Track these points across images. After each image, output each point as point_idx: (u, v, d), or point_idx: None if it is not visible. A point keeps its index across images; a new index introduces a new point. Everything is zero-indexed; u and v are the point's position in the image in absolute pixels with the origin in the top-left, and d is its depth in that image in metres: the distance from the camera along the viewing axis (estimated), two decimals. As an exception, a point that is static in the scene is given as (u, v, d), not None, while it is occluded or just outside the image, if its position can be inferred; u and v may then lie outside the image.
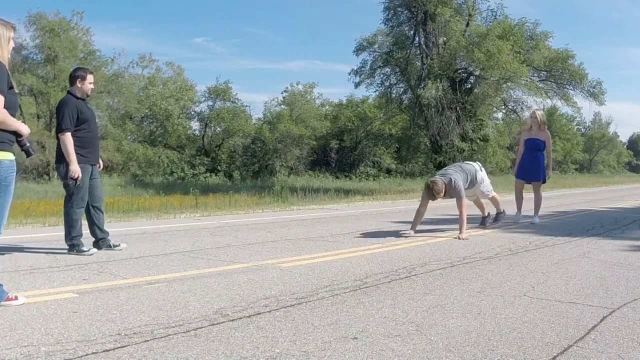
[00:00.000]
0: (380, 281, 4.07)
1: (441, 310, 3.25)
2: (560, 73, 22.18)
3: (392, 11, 22.06)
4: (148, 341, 2.63)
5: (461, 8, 22.53)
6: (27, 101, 26.38)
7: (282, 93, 38.73)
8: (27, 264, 4.61)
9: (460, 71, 22.59)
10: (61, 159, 5.15)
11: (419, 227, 6.76)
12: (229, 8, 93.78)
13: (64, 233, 5.27)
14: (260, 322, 2.97)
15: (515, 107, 23.81)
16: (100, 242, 5.42)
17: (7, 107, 3.19)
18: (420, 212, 6.71)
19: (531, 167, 8.45)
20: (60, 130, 5.12)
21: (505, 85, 21.91)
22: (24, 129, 3.35)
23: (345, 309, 3.26)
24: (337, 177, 31.87)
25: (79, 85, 5.29)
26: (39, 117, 27.48)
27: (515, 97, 23.34)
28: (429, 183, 6.60)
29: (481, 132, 24.05)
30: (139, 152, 30.84)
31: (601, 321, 3.04)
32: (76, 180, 5.07)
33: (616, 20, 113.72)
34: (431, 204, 6.85)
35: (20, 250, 5.37)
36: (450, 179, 6.53)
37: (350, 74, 23.61)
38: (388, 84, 23.57)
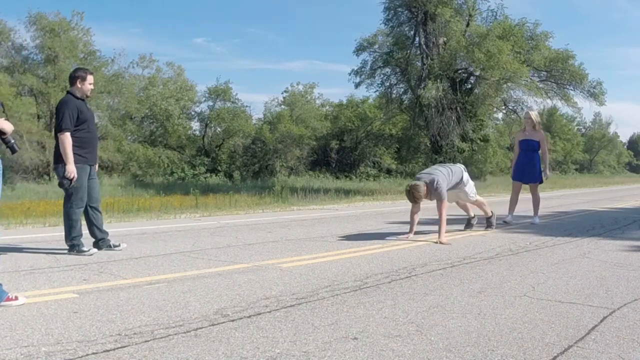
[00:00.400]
0: (380, 281, 4.07)
1: (441, 310, 3.25)
2: (560, 73, 22.17)
3: (392, 11, 22.07)
4: (148, 341, 2.63)
5: (461, 8, 22.52)
6: (27, 101, 26.37)
7: (282, 93, 38.77)
8: (27, 264, 4.61)
9: (460, 71, 22.59)
10: (59, 159, 5.14)
11: (419, 228, 6.75)
12: (229, 8, 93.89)
13: (63, 233, 5.28)
14: (260, 322, 2.97)
15: (515, 107, 23.81)
16: (100, 242, 5.42)
17: None
18: (414, 213, 6.48)
19: (527, 168, 8.43)
20: (59, 129, 5.12)
21: (505, 85, 21.91)
22: (7, 126, 3.36)
23: (345, 309, 3.26)
24: (337, 177, 31.88)
25: (79, 86, 5.29)
26: (39, 117, 27.45)
27: (515, 97, 23.39)
28: (408, 188, 6.23)
29: (481, 132, 24.05)
30: (139, 152, 30.82)
31: (601, 321, 3.05)
32: (71, 180, 5.06)
33: (616, 20, 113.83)
34: (430, 204, 6.78)
35: (20, 250, 5.38)
36: (433, 179, 6.18)
37: (350, 74, 23.65)
38: (388, 84, 23.58)
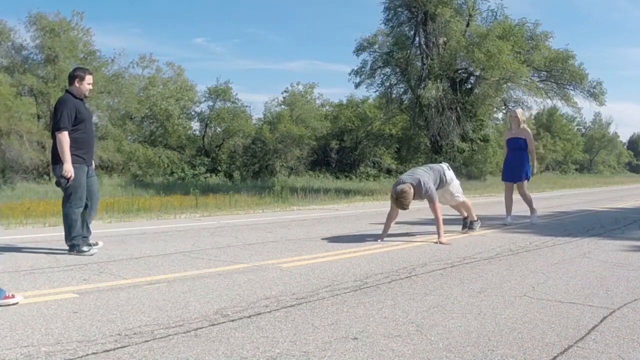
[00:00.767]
0: (380, 281, 4.07)
1: (441, 310, 3.25)
2: (560, 73, 22.16)
3: (392, 11, 22.07)
4: (148, 341, 2.63)
5: (461, 8, 22.52)
6: (27, 101, 26.34)
7: (282, 93, 38.75)
8: (27, 264, 4.60)
9: (460, 71, 22.59)
10: (57, 159, 5.13)
11: (419, 228, 6.75)
12: (229, 8, 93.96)
13: (63, 233, 5.27)
14: (260, 322, 2.97)
15: (515, 107, 23.80)
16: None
17: None
18: (392, 218, 6.36)
19: (515, 166, 8.43)
20: (57, 128, 5.10)
21: (505, 85, 21.91)
22: None
23: (345, 309, 3.26)
24: (337, 177, 31.86)
25: (77, 85, 5.29)
26: (39, 117, 27.44)
27: (515, 97, 23.34)
28: (394, 195, 6.01)
29: (481, 132, 24.06)
30: (139, 152, 30.80)
31: (601, 321, 3.04)
32: (68, 179, 5.05)
33: (616, 20, 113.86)
34: (424, 204, 6.68)
35: (20, 250, 5.37)
36: (419, 180, 6.05)
37: (350, 74, 23.65)
38: (388, 84, 23.58)
